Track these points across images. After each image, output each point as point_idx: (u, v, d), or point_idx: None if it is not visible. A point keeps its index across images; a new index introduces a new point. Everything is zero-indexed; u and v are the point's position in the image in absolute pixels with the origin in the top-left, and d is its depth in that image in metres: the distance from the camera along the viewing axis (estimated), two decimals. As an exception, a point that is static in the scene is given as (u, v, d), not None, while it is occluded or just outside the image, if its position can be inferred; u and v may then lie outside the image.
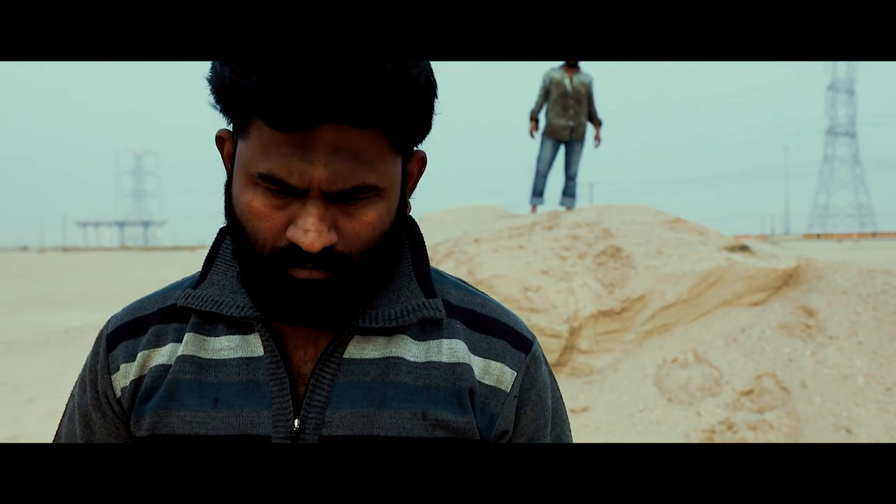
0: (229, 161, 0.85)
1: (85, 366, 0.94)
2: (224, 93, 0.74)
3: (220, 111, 0.78)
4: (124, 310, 0.95)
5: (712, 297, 5.64)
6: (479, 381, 0.88)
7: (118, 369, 0.90)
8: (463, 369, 0.88)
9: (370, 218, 0.79)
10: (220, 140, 0.86)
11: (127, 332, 0.91)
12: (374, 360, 0.86)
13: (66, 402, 0.98)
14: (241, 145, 0.78)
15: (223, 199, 0.84)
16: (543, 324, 5.41)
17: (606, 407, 4.81)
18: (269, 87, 0.69)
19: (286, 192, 0.75)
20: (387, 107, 0.72)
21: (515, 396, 0.90)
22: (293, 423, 0.83)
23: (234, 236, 0.82)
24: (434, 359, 0.88)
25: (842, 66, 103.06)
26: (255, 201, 0.77)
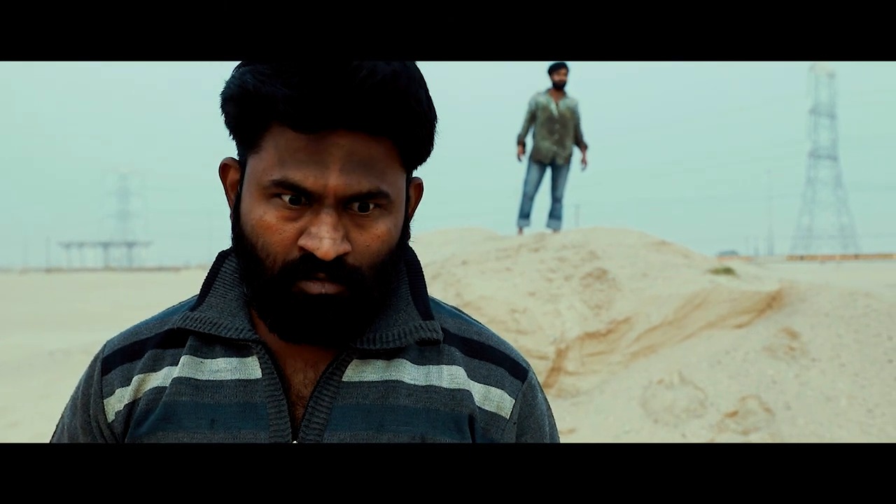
0: (234, 189, 0.86)
1: (77, 388, 0.94)
2: (246, 100, 0.76)
3: (234, 127, 0.80)
4: (122, 334, 0.95)
5: (697, 319, 5.69)
6: (479, 407, 0.89)
7: (113, 393, 0.89)
8: (463, 395, 0.89)
9: (380, 231, 0.80)
10: (225, 168, 0.88)
11: (123, 356, 0.91)
12: (373, 382, 0.87)
13: (50, 425, 0.98)
14: (252, 162, 0.80)
15: (231, 223, 0.86)
16: (530, 345, 5.43)
17: (593, 428, 4.83)
18: (292, 91, 0.72)
19: (299, 201, 0.77)
20: (400, 118, 0.76)
21: (515, 423, 0.92)
22: (290, 443, 0.84)
23: (244, 256, 0.82)
24: (434, 383, 0.89)
25: (823, 91, 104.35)
26: (267, 215, 0.78)
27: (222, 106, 0.80)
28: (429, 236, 10.12)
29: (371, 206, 0.79)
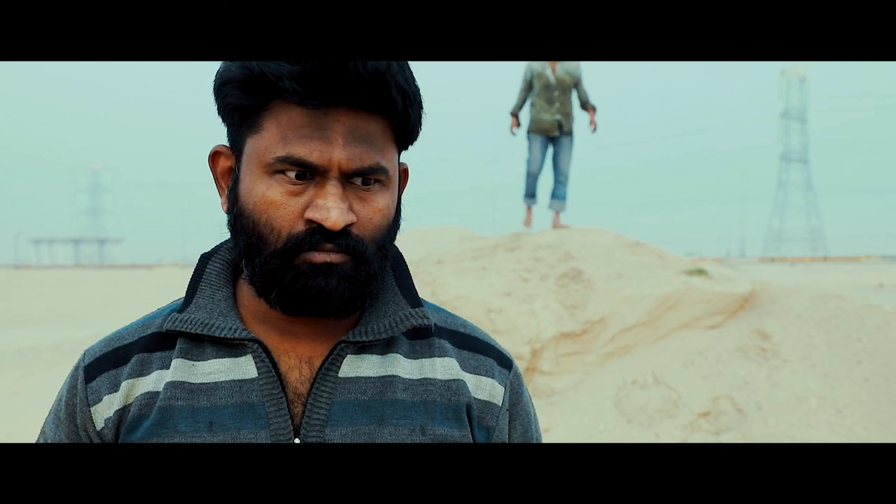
0: (226, 175, 0.88)
1: (59, 401, 0.92)
2: (249, 81, 0.78)
3: (233, 110, 0.81)
4: (101, 341, 0.93)
5: (671, 319, 5.74)
6: (473, 397, 0.92)
7: (100, 400, 0.88)
8: (458, 385, 0.91)
9: (381, 205, 0.83)
10: (216, 156, 0.88)
11: (107, 362, 0.90)
12: (369, 378, 0.88)
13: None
14: (252, 142, 0.81)
15: (228, 206, 0.86)
16: (506, 345, 5.44)
17: (567, 428, 4.85)
18: (298, 68, 0.75)
19: (304, 176, 0.79)
20: (395, 95, 0.79)
21: (507, 410, 0.96)
22: (294, 442, 0.84)
23: (244, 235, 0.83)
24: (429, 376, 0.91)
25: (795, 94, 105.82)
26: (270, 191, 0.79)
27: (219, 89, 0.82)
28: (404, 236, 10.11)
29: (372, 180, 0.82)
